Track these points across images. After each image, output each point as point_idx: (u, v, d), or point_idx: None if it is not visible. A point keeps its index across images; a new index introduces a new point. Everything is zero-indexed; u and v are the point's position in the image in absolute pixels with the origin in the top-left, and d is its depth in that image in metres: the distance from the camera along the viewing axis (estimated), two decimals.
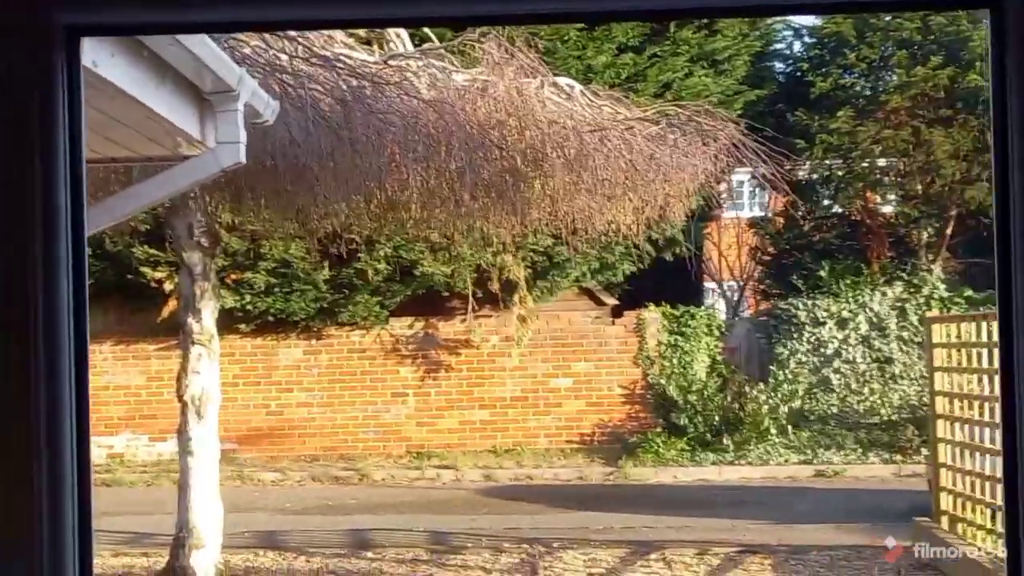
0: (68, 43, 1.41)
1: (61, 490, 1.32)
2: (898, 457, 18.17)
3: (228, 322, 17.44)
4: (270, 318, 19.50)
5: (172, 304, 16.85)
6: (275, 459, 19.81)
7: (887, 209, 22.78)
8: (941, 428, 11.57)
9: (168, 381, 15.35)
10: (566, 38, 18.54)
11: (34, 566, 1.30)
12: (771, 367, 20.47)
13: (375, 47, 11.66)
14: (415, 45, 12.06)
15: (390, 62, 10.90)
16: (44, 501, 1.31)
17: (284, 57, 8.90)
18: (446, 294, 19.73)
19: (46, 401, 1.31)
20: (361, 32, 11.59)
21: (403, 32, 11.75)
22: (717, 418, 19.17)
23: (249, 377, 20.17)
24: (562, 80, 12.03)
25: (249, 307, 19.03)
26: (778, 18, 23.10)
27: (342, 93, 8.94)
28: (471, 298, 19.29)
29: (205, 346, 11.10)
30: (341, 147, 8.97)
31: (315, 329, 20.17)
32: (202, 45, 5.87)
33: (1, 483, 1.31)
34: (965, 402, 11.11)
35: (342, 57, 9.65)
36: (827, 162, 21.03)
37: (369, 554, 12.34)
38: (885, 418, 19.80)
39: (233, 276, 18.68)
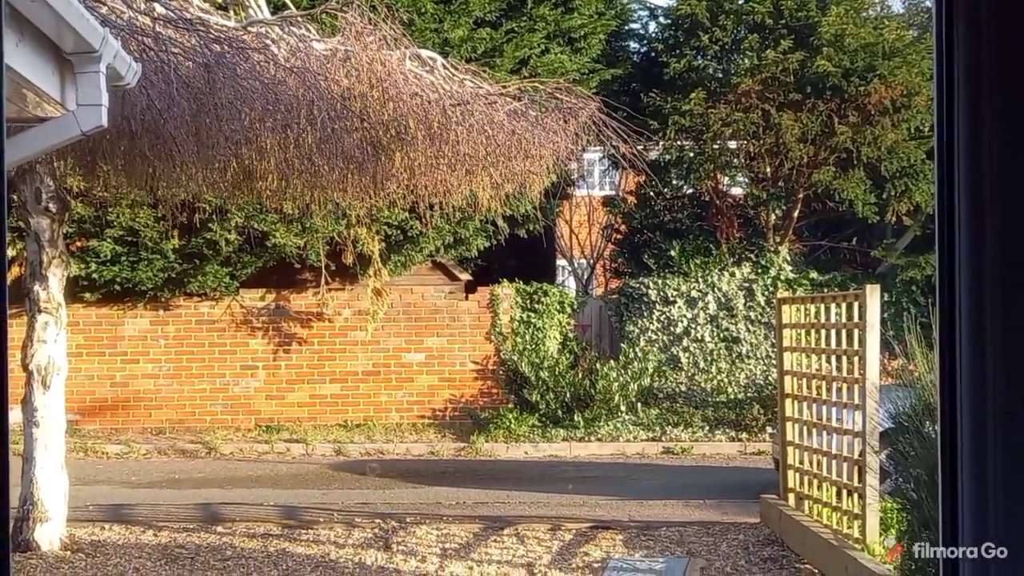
0: None
1: None
2: (744, 435, 18.52)
3: (72, 291, 17.01)
4: (116, 287, 19.08)
5: (15, 271, 16.38)
6: (119, 431, 19.43)
7: (737, 191, 23.11)
8: (789, 407, 11.74)
9: (10, 350, 14.90)
10: (423, 10, 18.40)
11: None
12: (622, 345, 20.67)
13: (231, 13, 11.43)
14: (272, 12, 11.85)
15: (250, 28, 10.68)
16: None
17: (144, 19, 8.65)
18: (298, 266, 19.51)
19: None
20: None
21: None
22: (568, 395, 19.29)
23: (94, 347, 19.73)
24: (424, 52, 11.92)
25: (95, 276, 18.61)
26: None
27: (205, 58, 8.71)
28: (324, 271, 19.10)
29: (52, 315, 10.84)
30: (203, 113, 8.76)
31: (163, 299, 19.78)
32: (64, 2, 5.65)
33: None
34: (813, 382, 11.27)
35: (203, 21, 9.42)
36: (679, 143, 21.22)
37: (219, 528, 12.12)
38: (731, 396, 20.16)
39: (78, 243, 18.23)
